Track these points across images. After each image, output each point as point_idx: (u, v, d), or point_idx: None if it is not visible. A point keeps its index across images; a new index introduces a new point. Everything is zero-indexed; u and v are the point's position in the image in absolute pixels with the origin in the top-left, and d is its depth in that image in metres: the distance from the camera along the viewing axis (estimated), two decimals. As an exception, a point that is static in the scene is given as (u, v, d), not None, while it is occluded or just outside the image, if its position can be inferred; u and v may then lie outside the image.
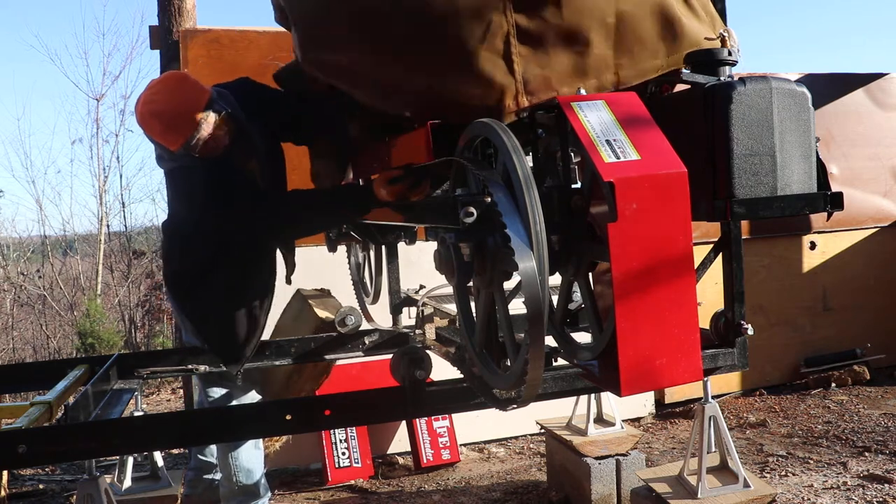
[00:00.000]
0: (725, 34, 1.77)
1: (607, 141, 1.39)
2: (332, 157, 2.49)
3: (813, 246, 4.97)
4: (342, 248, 3.19)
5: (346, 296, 3.07)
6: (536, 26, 1.65)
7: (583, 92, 1.63)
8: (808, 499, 3.11)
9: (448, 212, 1.62)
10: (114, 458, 3.16)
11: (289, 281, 2.74)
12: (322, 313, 2.82)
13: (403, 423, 3.84)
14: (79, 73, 28.00)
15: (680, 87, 1.81)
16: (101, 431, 1.94)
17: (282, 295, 2.90)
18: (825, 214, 1.66)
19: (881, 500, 3.04)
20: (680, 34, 1.74)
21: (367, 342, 2.87)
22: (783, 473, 3.41)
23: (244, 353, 2.49)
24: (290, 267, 2.72)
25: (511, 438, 4.15)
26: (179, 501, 3.25)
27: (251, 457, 2.74)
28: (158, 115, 2.22)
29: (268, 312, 2.53)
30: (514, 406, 1.85)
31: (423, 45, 1.66)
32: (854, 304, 5.05)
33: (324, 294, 3.05)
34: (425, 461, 3.70)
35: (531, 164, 1.71)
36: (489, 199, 1.43)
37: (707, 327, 2.03)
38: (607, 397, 3.22)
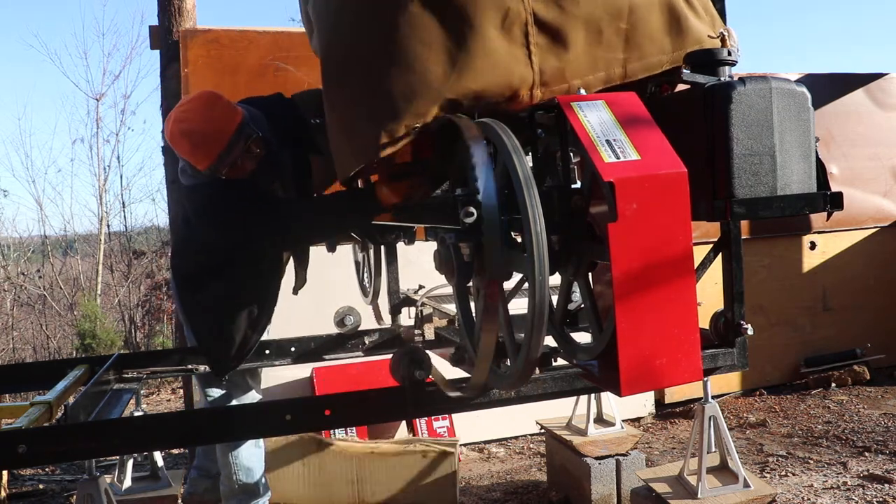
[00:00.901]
0: (725, 33, 1.77)
1: (607, 141, 1.39)
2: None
3: (813, 246, 4.97)
4: (342, 248, 3.19)
5: (346, 295, 3.07)
6: (554, 16, 1.63)
7: (582, 92, 1.62)
8: (808, 499, 3.11)
9: (448, 212, 1.62)
10: (114, 458, 3.16)
11: (295, 292, 2.76)
12: None
13: (403, 422, 3.84)
14: (79, 72, 27.97)
15: (680, 87, 1.81)
16: (101, 431, 1.94)
17: (285, 304, 2.90)
18: (825, 214, 1.66)
19: (881, 500, 3.04)
20: (685, 30, 1.73)
21: (367, 342, 2.87)
22: (783, 473, 3.41)
23: (230, 364, 2.51)
24: (301, 281, 2.73)
25: (511, 438, 4.15)
26: (181, 500, 3.26)
27: (251, 455, 2.74)
28: (188, 135, 2.21)
29: (263, 330, 2.54)
30: (465, 397, 1.85)
31: (441, 33, 1.62)
32: (854, 304, 5.05)
33: None
34: (425, 461, 3.70)
35: (531, 164, 1.71)
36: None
37: (707, 327, 2.03)
38: (607, 397, 3.22)
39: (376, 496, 3.12)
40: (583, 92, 1.62)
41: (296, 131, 2.48)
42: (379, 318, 2.87)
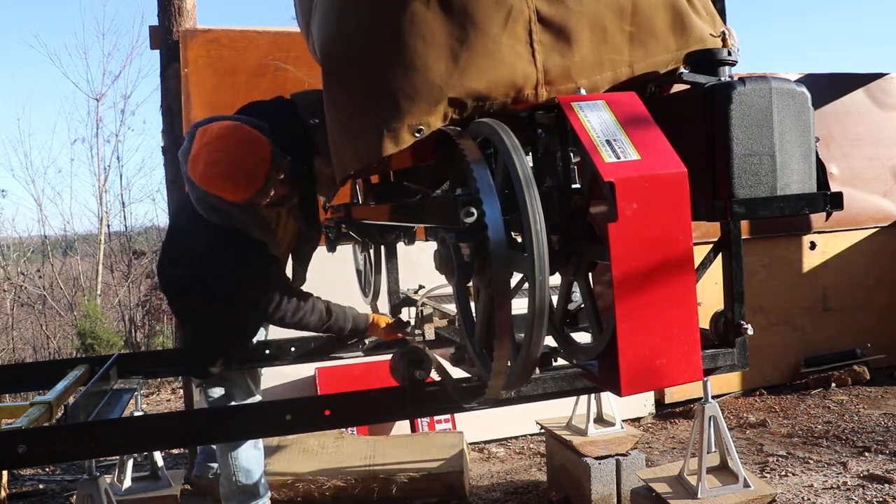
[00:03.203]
0: (726, 32, 1.77)
1: (607, 141, 1.39)
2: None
3: (813, 246, 4.97)
4: (342, 248, 3.19)
5: (346, 295, 3.07)
6: (557, 13, 1.62)
7: (582, 92, 1.62)
8: (808, 499, 3.11)
9: (448, 212, 1.62)
10: (114, 458, 3.16)
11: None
12: None
13: (405, 422, 3.85)
14: (79, 73, 28.05)
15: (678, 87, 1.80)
16: (101, 431, 1.94)
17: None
18: (825, 214, 1.65)
19: (881, 500, 3.04)
20: (689, 28, 1.72)
21: (366, 342, 2.87)
22: (783, 473, 3.41)
23: (209, 371, 2.58)
24: (300, 280, 2.74)
25: (511, 438, 4.15)
26: (190, 480, 3.38)
27: (250, 457, 2.74)
28: (225, 178, 2.22)
29: (248, 341, 2.62)
30: (476, 405, 1.85)
31: (443, 30, 1.59)
32: (854, 304, 5.05)
33: None
34: (425, 461, 3.71)
35: (531, 164, 1.70)
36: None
37: (707, 327, 2.03)
38: (607, 397, 3.22)
39: (388, 468, 3.25)
40: (583, 92, 1.62)
41: (298, 135, 2.48)
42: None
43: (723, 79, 1.62)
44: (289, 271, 2.78)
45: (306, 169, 2.51)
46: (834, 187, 1.63)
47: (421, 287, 2.73)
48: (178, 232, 2.59)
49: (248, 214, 2.35)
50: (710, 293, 2.48)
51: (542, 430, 3.45)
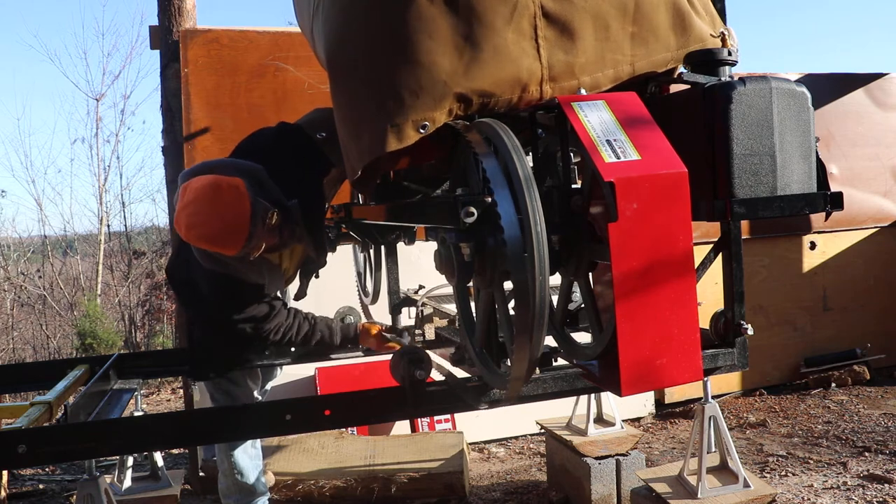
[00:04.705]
0: (725, 32, 1.77)
1: (608, 141, 1.39)
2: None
3: (813, 246, 4.97)
4: (341, 248, 3.19)
5: (346, 295, 3.08)
6: (561, 9, 1.61)
7: (583, 92, 1.62)
8: (808, 499, 3.11)
9: (448, 212, 1.62)
10: (114, 458, 3.16)
11: (297, 299, 2.77)
12: None
13: (405, 422, 3.85)
14: (78, 72, 28.11)
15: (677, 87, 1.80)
16: (101, 431, 1.94)
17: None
18: (825, 214, 1.65)
19: (881, 500, 3.04)
20: (689, 27, 1.72)
21: (366, 344, 2.87)
22: (783, 473, 3.41)
23: (209, 375, 2.60)
24: (301, 293, 2.74)
25: (511, 438, 4.15)
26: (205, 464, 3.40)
27: (249, 456, 2.74)
28: (206, 239, 2.14)
29: (247, 352, 2.62)
30: (487, 406, 1.85)
31: (449, 26, 1.58)
32: (854, 304, 5.05)
33: None
34: (425, 461, 3.71)
35: (531, 164, 1.70)
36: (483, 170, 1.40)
37: (707, 327, 2.03)
38: (607, 397, 3.22)
39: (388, 468, 3.27)
40: (583, 92, 1.62)
41: (305, 160, 2.41)
42: (368, 316, 2.89)
43: (723, 79, 1.62)
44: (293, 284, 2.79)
45: (312, 195, 2.42)
46: (834, 187, 1.63)
47: (421, 287, 2.73)
48: (183, 251, 2.57)
49: (245, 264, 2.30)
50: (710, 293, 2.48)
51: (542, 430, 3.45)
